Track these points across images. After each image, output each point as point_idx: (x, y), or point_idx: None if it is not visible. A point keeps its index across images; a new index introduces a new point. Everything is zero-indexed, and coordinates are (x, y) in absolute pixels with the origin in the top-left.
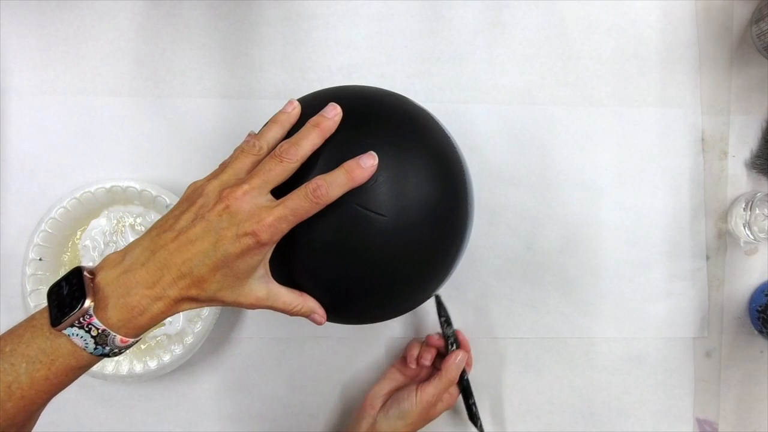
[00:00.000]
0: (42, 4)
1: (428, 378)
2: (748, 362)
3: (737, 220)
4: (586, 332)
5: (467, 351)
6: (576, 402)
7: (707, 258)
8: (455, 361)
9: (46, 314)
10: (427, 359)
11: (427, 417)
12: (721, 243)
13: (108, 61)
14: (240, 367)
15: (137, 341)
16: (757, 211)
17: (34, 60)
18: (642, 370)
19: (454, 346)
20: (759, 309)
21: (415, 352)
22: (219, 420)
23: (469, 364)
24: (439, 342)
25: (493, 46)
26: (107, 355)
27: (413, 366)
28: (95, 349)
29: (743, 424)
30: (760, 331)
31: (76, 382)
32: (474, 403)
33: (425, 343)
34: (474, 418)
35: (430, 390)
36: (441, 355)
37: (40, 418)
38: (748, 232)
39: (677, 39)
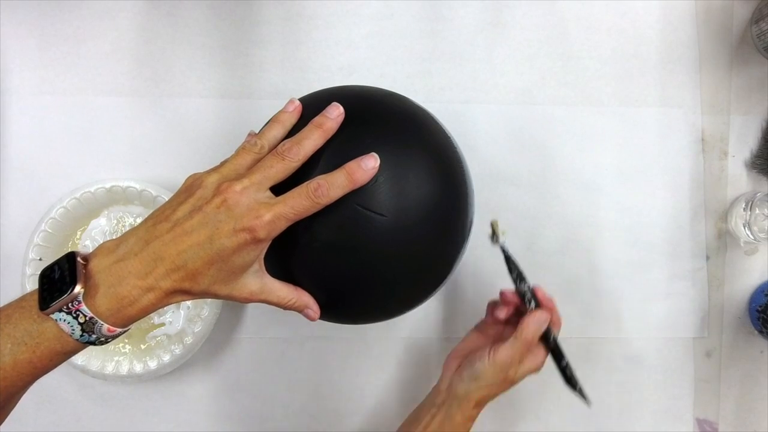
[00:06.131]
0: (42, 4)
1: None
2: (748, 362)
3: (737, 220)
4: (586, 332)
5: (550, 309)
6: (576, 402)
7: (707, 258)
8: (532, 321)
9: (36, 297)
10: (502, 313)
11: (505, 379)
12: (721, 243)
13: (108, 61)
14: (240, 367)
15: (125, 331)
16: (757, 211)
17: (34, 60)
18: (642, 370)
19: (532, 304)
20: (759, 309)
21: (490, 316)
22: (219, 420)
23: (555, 323)
24: (513, 298)
25: (493, 46)
26: (93, 343)
27: (491, 320)
28: (81, 336)
29: (743, 424)
30: (760, 331)
31: (76, 381)
32: (568, 365)
33: (500, 299)
34: (571, 381)
35: (504, 351)
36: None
37: (40, 418)
38: (748, 232)
39: (677, 39)
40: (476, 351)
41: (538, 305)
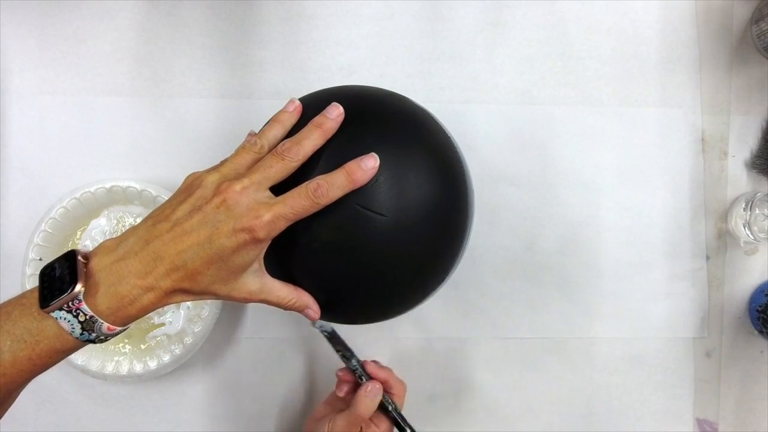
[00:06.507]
0: (42, 4)
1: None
2: (748, 362)
3: (737, 220)
4: (586, 332)
5: (383, 380)
6: (576, 402)
7: (707, 258)
8: (364, 393)
9: (36, 294)
10: (341, 391)
11: None
12: (721, 243)
13: (108, 61)
14: (240, 367)
15: (125, 329)
16: (757, 211)
17: (34, 60)
18: (642, 370)
19: (363, 379)
20: (759, 309)
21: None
22: (219, 420)
23: (396, 394)
24: (347, 377)
25: (493, 46)
26: (93, 341)
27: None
28: (81, 334)
29: (743, 424)
30: (760, 331)
31: (76, 381)
32: None
33: (337, 377)
34: None
35: (340, 422)
36: None
37: (40, 418)
38: (748, 232)
39: (677, 39)
40: (320, 419)
41: (369, 378)
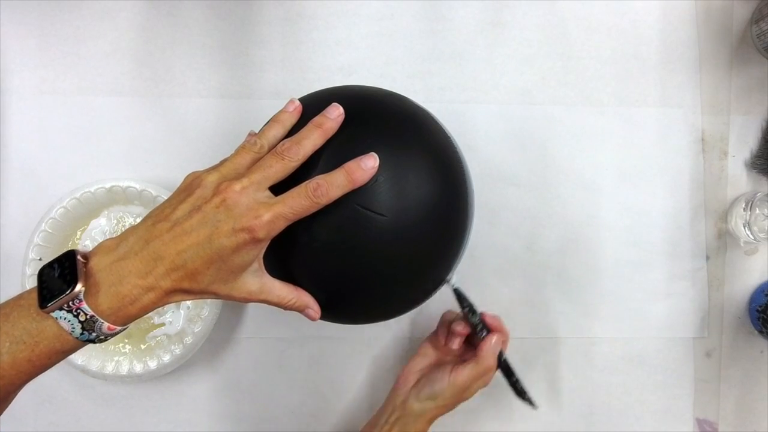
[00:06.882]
0: (42, 4)
1: (463, 359)
2: (748, 362)
3: (737, 220)
4: (586, 332)
5: (500, 331)
6: (576, 402)
7: (707, 258)
8: (490, 347)
9: (35, 295)
10: (455, 344)
11: (460, 398)
12: (721, 243)
13: (108, 61)
14: (240, 367)
15: (124, 329)
16: (757, 211)
17: (34, 60)
18: (642, 370)
19: (484, 333)
20: (759, 309)
21: (443, 333)
22: (219, 420)
23: (504, 342)
24: (464, 331)
25: (493, 46)
26: (92, 341)
27: (444, 341)
28: (81, 334)
29: (743, 424)
30: (760, 331)
31: (76, 381)
32: (518, 381)
33: (451, 331)
34: (521, 393)
35: (464, 374)
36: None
37: (40, 418)
38: (748, 232)
39: (677, 39)
40: (433, 370)
41: (489, 332)
